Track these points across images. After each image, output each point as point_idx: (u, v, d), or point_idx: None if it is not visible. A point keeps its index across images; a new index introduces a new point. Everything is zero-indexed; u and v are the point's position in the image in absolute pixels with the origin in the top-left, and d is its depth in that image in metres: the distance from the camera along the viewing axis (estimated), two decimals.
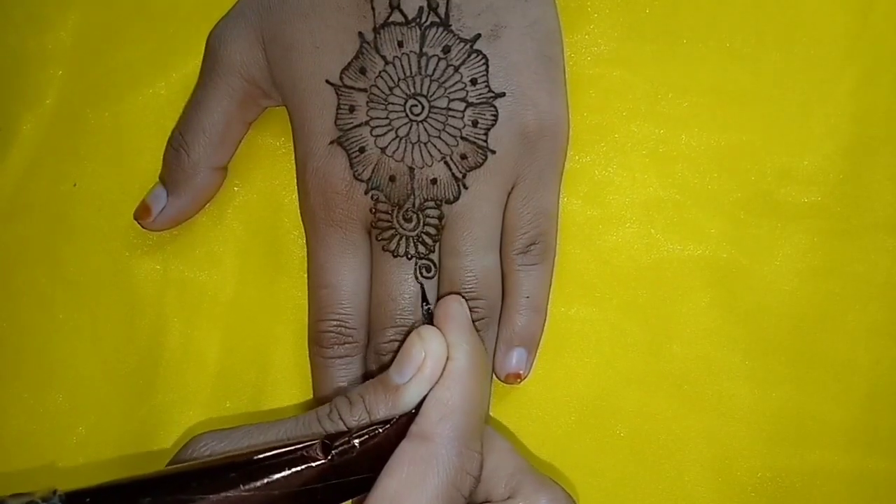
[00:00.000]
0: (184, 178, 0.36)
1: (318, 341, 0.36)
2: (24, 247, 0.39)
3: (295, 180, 0.37)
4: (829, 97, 0.37)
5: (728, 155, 0.38)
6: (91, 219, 0.39)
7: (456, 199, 0.35)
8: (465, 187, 0.34)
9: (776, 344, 0.37)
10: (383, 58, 0.34)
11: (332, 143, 0.35)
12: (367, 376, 0.36)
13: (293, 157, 0.37)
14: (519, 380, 0.36)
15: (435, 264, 0.35)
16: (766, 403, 0.37)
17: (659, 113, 0.38)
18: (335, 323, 0.35)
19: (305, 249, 0.37)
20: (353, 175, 0.35)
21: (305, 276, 0.37)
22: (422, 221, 0.35)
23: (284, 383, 0.38)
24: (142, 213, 0.37)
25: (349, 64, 0.34)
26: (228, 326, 0.38)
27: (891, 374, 0.37)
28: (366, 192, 0.35)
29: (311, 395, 0.37)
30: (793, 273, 0.37)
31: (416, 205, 0.35)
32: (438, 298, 0.35)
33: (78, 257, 0.38)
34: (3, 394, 0.38)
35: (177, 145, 0.36)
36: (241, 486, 0.27)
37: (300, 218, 0.37)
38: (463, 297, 0.34)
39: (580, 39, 0.38)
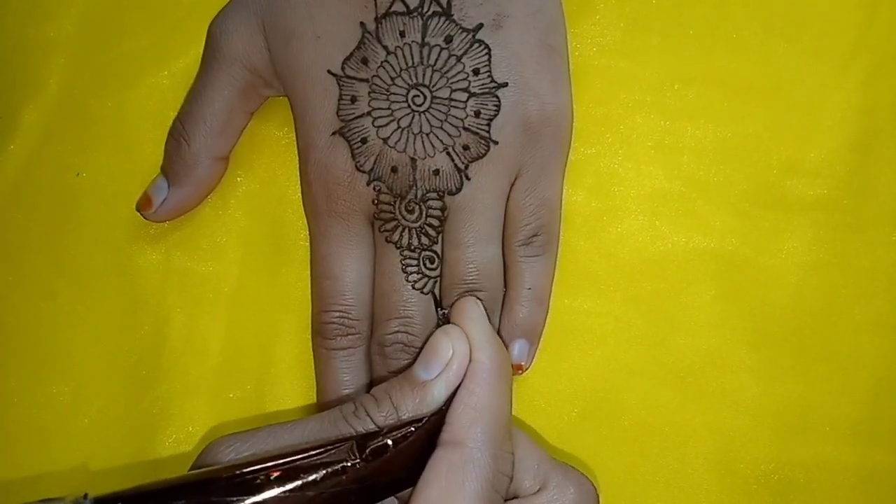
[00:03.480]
0: (185, 169, 0.36)
1: (321, 332, 0.36)
2: (26, 237, 0.39)
3: (298, 171, 0.37)
4: (835, 90, 0.37)
5: (734, 147, 0.37)
6: (94, 209, 0.39)
7: (458, 190, 0.34)
8: (468, 178, 0.34)
9: (780, 337, 0.37)
10: (385, 48, 0.34)
11: (333, 133, 0.34)
12: (369, 367, 0.36)
13: (296, 147, 0.37)
14: (520, 371, 0.36)
15: (438, 255, 0.35)
16: (770, 396, 0.37)
17: (664, 105, 0.38)
18: (338, 314, 0.35)
19: (308, 240, 0.37)
20: (355, 166, 0.34)
21: (308, 267, 0.37)
22: (424, 213, 0.35)
23: (287, 374, 0.38)
24: (143, 204, 0.37)
25: (351, 54, 0.34)
26: (231, 317, 0.38)
27: (895, 368, 0.37)
28: (368, 184, 0.35)
29: (314, 387, 0.37)
30: (798, 266, 0.37)
31: (419, 196, 0.34)
32: (441, 289, 0.35)
33: (81, 247, 0.38)
34: (6, 384, 0.38)
35: (177, 135, 0.36)
36: (276, 487, 0.27)
37: (303, 209, 0.37)
38: (464, 288, 0.34)
39: (585, 30, 0.38)
